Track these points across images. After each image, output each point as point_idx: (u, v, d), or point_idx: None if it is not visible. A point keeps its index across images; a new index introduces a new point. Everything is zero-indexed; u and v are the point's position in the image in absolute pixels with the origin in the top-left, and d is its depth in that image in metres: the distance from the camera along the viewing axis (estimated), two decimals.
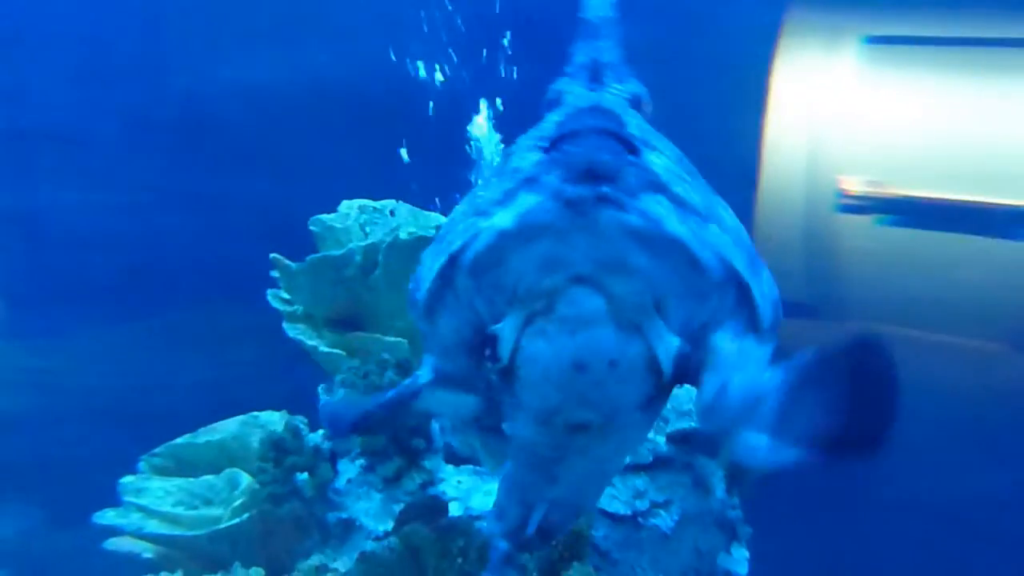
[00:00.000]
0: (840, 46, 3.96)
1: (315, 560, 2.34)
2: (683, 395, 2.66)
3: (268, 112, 4.02)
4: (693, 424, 2.49)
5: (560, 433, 1.33)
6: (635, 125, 1.18)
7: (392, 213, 3.15)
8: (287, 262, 2.92)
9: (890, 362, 1.20)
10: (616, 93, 1.27)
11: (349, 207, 3.21)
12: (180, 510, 2.92)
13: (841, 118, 4.01)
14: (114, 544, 2.92)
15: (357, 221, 3.15)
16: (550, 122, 1.17)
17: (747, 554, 2.75)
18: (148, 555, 2.87)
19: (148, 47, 3.96)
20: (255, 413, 3.21)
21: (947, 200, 3.88)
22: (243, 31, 3.98)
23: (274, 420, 3.15)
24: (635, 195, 1.08)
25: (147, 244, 3.86)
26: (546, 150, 1.12)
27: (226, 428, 3.25)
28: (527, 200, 1.09)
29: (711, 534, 2.48)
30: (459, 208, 1.30)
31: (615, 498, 2.29)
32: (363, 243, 2.94)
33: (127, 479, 3.01)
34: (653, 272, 1.11)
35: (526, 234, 1.10)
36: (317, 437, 2.52)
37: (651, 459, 2.38)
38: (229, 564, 2.78)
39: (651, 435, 2.41)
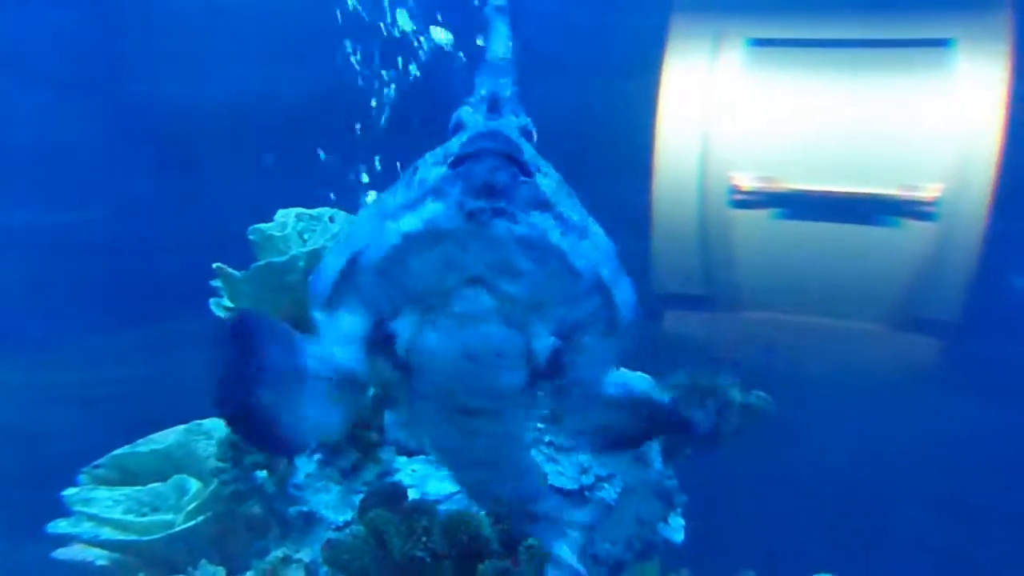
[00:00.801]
0: (725, 48, 4.21)
1: (280, 552, 2.41)
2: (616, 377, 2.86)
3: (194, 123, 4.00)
4: None
5: (457, 418, 1.54)
6: (528, 152, 1.38)
7: (331, 220, 3.22)
8: (230, 270, 2.96)
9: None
10: (511, 123, 1.47)
11: (286, 215, 3.25)
12: (130, 517, 2.93)
13: (730, 117, 4.26)
14: (64, 554, 2.91)
15: (295, 228, 3.19)
16: (455, 142, 1.34)
17: (683, 522, 2.97)
18: (102, 562, 2.88)
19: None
20: (198, 421, 3.24)
21: (827, 192, 4.21)
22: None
23: (219, 427, 3.18)
24: (526, 211, 1.28)
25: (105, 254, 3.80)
26: (451, 166, 1.29)
27: (169, 437, 3.27)
28: (432, 208, 1.26)
29: (651, 504, 2.68)
30: (364, 212, 1.48)
31: (562, 474, 2.46)
32: (305, 249, 3.00)
33: (70, 491, 3.00)
34: (536, 277, 1.32)
35: (430, 237, 1.27)
36: None
37: None
38: (185, 567, 2.82)
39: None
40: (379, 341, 1.41)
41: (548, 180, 1.36)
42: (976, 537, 3.66)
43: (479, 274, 1.29)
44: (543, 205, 1.30)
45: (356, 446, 2.54)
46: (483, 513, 2.02)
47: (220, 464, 2.56)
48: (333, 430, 1.61)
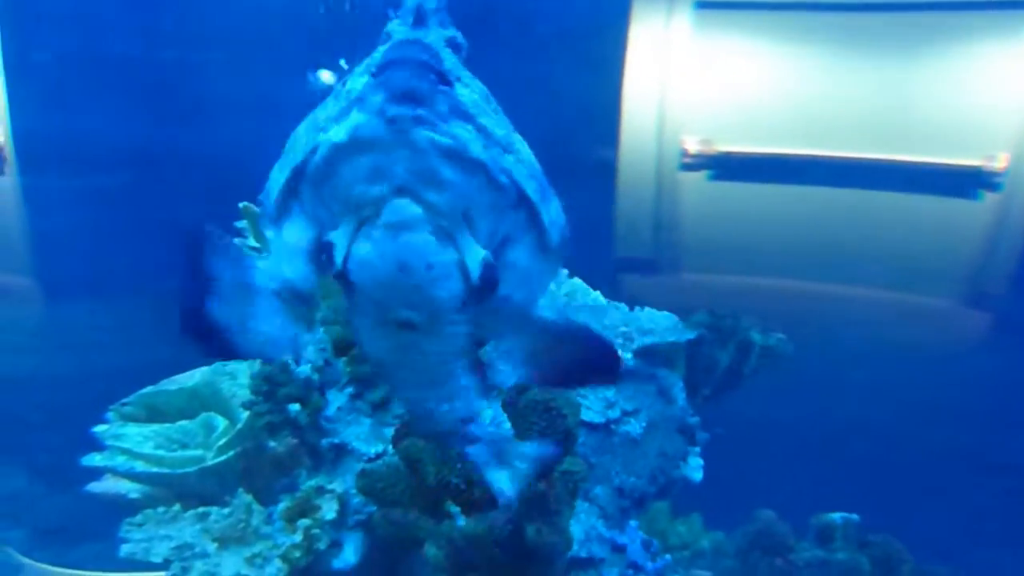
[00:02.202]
0: (676, 12, 4.20)
1: (313, 482, 2.47)
2: (644, 316, 2.89)
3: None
4: (655, 340, 2.72)
5: (393, 331, 1.56)
6: (450, 62, 1.40)
7: None
8: (256, 209, 2.98)
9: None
10: (437, 35, 1.48)
11: None
12: (161, 452, 3.00)
13: (680, 81, 4.27)
14: (97, 487, 2.98)
15: None
16: (379, 52, 1.36)
17: (702, 462, 3.02)
18: (135, 495, 2.94)
19: None
20: (223, 362, 3.28)
21: (773, 154, 4.23)
22: None
23: (243, 368, 3.23)
24: (446, 120, 1.30)
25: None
26: (374, 75, 1.31)
27: (195, 377, 3.32)
28: (356, 117, 1.29)
29: (674, 439, 2.72)
30: (302, 125, 1.48)
31: (588, 408, 2.50)
32: None
33: (101, 427, 3.06)
34: (460, 187, 1.34)
35: (355, 146, 1.30)
36: (306, 370, 2.63)
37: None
38: (215, 499, 2.89)
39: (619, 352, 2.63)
40: (320, 253, 1.44)
41: (470, 91, 1.38)
42: (1006, 491, 3.72)
43: (405, 183, 1.31)
44: (464, 116, 1.32)
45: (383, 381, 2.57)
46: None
47: (253, 396, 2.60)
48: (285, 344, 1.65)
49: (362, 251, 1.37)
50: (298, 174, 1.41)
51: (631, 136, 4.30)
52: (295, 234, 1.49)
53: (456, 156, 1.30)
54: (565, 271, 3.50)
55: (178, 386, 3.27)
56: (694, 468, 3.00)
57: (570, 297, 3.35)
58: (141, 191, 3.74)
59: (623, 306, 2.94)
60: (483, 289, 1.45)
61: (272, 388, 2.53)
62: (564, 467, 1.99)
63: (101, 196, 3.84)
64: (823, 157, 4.17)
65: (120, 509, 2.95)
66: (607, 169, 4.30)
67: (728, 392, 3.25)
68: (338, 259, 1.39)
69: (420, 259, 1.37)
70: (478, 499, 2.06)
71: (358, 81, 1.34)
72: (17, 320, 4.07)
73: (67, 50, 3.83)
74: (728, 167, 4.25)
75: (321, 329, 2.75)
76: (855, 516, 3.11)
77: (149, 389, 3.27)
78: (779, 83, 4.20)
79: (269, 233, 1.54)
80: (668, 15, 4.19)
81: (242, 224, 3.07)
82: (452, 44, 1.49)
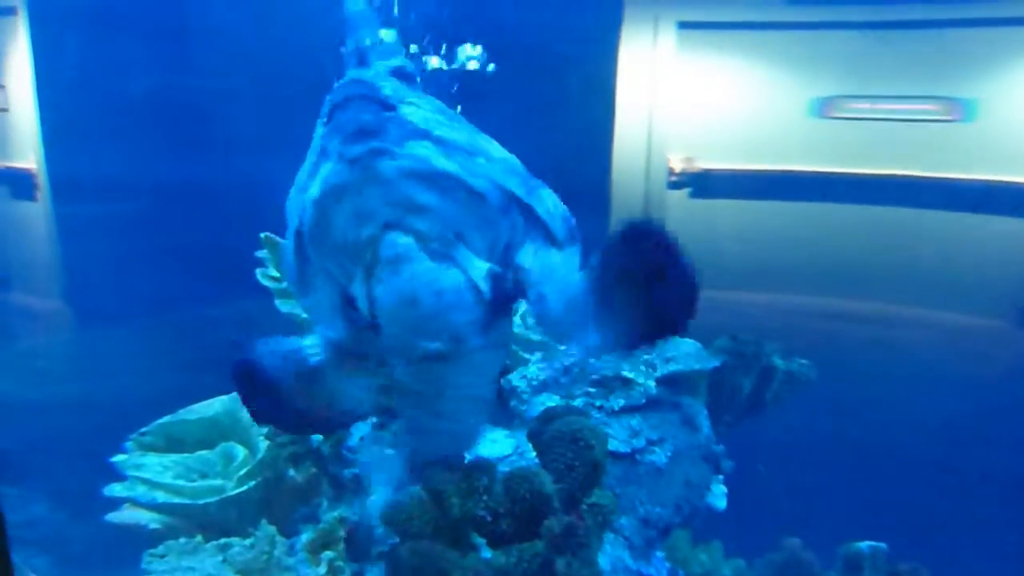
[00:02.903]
0: (662, 32, 4.26)
1: (336, 513, 2.45)
2: (668, 344, 2.87)
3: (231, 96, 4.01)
4: (679, 368, 2.70)
5: (422, 366, 1.55)
6: (390, 88, 1.43)
7: None
8: (277, 239, 2.99)
9: (665, 241, 1.45)
10: (380, 68, 1.49)
11: None
12: (181, 482, 2.98)
13: (666, 100, 4.33)
14: (117, 517, 2.96)
15: None
16: (326, 100, 1.41)
17: (725, 490, 2.98)
18: (155, 525, 2.92)
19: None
20: None
21: (752, 171, 4.28)
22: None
23: None
24: (400, 144, 1.31)
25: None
26: (325, 124, 1.36)
27: (214, 406, 3.31)
28: (324, 168, 1.33)
29: (699, 467, 2.69)
30: (292, 189, 1.52)
31: (613, 438, 2.48)
32: None
33: (120, 457, 3.05)
34: (440, 206, 1.35)
35: (332, 195, 1.33)
36: None
37: (644, 401, 2.58)
38: (235, 530, 2.87)
39: (642, 380, 2.61)
40: (348, 308, 1.47)
41: (417, 109, 1.40)
42: None
43: (389, 217, 1.33)
44: (418, 134, 1.34)
45: None
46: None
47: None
48: (365, 402, 1.70)
49: (377, 294, 1.40)
50: (300, 238, 1.45)
51: (622, 155, 4.36)
52: (323, 299, 1.52)
53: (422, 175, 1.32)
54: None
55: (198, 415, 3.27)
56: (718, 496, 2.97)
57: None
58: (167, 219, 3.77)
59: None
60: (499, 303, 1.45)
61: None
62: (593, 499, 1.97)
63: (129, 224, 3.87)
64: (802, 173, 4.24)
65: (141, 539, 2.94)
66: (600, 188, 4.34)
67: (750, 418, 3.22)
68: (363, 309, 1.42)
69: (426, 287, 1.38)
70: (505, 531, 2.04)
71: (318, 132, 1.40)
72: (46, 346, 4.10)
73: (97, 83, 3.88)
74: (709, 184, 4.31)
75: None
76: (883, 545, 3.05)
77: (168, 418, 3.26)
78: (757, 101, 4.26)
79: (304, 304, 1.58)
80: (655, 35, 4.26)
81: (263, 254, 3.08)
82: (399, 73, 1.51)
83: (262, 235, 2.99)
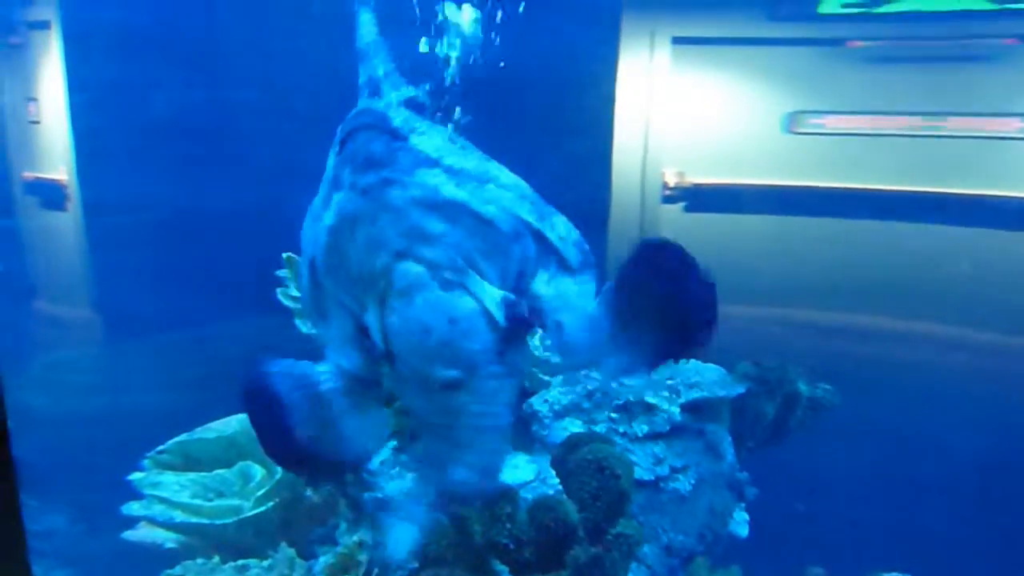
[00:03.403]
0: (658, 48, 4.29)
1: (355, 537, 2.42)
2: (689, 368, 2.84)
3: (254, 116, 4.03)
4: (702, 394, 2.67)
5: (438, 395, 1.52)
6: (400, 119, 1.43)
7: None
8: (298, 258, 2.98)
9: (679, 254, 1.45)
10: (392, 98, 1.49)
11: None
12: (199, 501, 2.97)
13: (661, 115, 4.35)
14: (134, 536, 2.95)
15: None
16: (338, 130, 1.43)
17: (747, 517, 2.94)
18: (171, 545, 2.91)
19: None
20: None
21: (743, 185, 4.29)
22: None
23: None
24: (411, 173, 1.32)
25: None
26: (338, 153, 1.37)
27: (232, 424, 3.30)
28: (337, 198, 1.35)
29: (723, 495, 2.65)
30: (306, 219, 1.53)
31: (637, 465, 2.44)
32: None
33: (138, 475, 3.04)
34: (450, 234, 1.35)
35: (346, 225, 1.35)
36: None
37: (668, 427, 2.54)
38: (252, 551, 2.85)
39: (666, 406, 2.58)
40: (363, 337, 1.46)
41: (427, 139, 1.40)
42: None
43: (401, 247, 1.33)
44: (428, 163, 1.35)
45: None
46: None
47: None
48: (375, 433, 1.68)
49: (391, 323, 1.40)
50: (314, 268, 1.46)
51: (620, 169, 4.38)
52: (338, 328, 1.51)
53: (432, 204, 1.32)
54: None
55: (216, 434, 3.25)
56: (740, 523, 2.93)
57: None
58: (192, 235, 3.78)
59: None
60: (514, 330, 1.44)
61: None
62: (619, 529, 1.94)
63: (155, 238, 3.89)
64: (792, 187, 4.26)
65: (158, 557, 2.92)
66: (599, 203, 4.36)
67: (773, 444, 3.18)
68: (377, 340, 1.42)
69: (439, 316, 1.38)
70: (528, 560, 2.01)
71: (330, 161, 1.41)
72: (71, 359, 4.11)
73: (128, 97, 3.91)
74: (700, 199, 4.33)
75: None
76: None
77: (185, 436, 3.25)
78: (748, 116, 4.28)
79: (318, 333, 1.57)
80: (651, 50, 4.29)
81: (284, 273, 3.08)
82: (411, 103, 1.51)
83: (284, 255, 2.99)
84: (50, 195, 4.22)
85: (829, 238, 4.21)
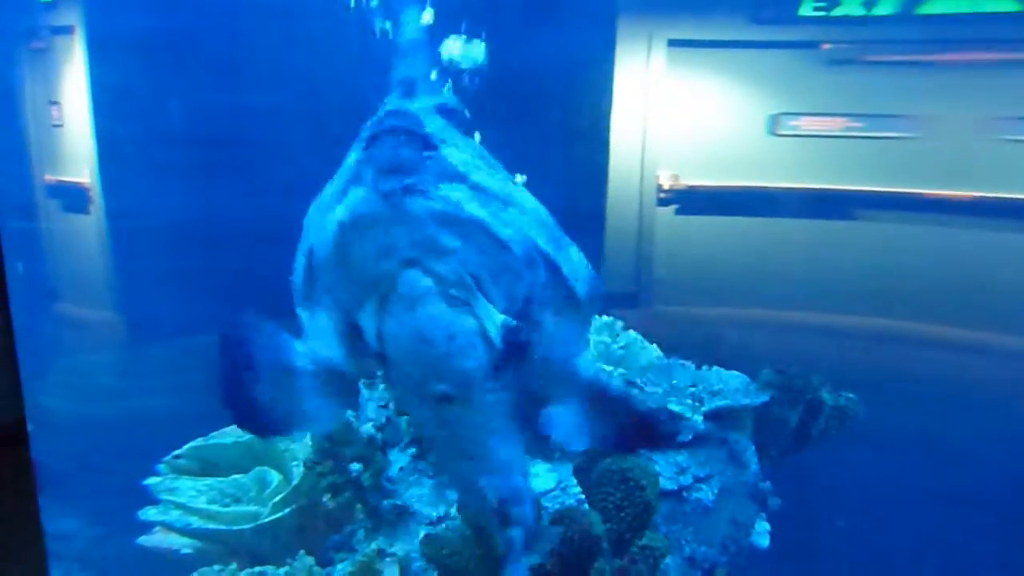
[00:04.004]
0: (654, 50, 4.27)
1: (375, 545, 2.40)
2: (712, 375, 2.80)
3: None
4: (726, 403, 2.63)
5: (432, 407, 1.54)
6: (435, 126, 1.38)
7: None
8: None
9: None
10: (425, 103, 1.45)
11: None
12: (215, 507, 2.95)
13: (656, 117, 4.33)
14: (149, 541, 2.93)
15: None
16: (367, 126, 1.36)
17: (768, 527, 2.89)
18: (187, 550, 2.89)
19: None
20: None
21: (735, 187, 4.26)
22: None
23: None
24: (436, 184, 1.29)
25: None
26: (364, 149, 1.30)
27: None
28: (354, 194, 1.30)
29: (746, 505, 2.61)
30: (313, 205, 1.47)
31: (659, 474, 2.40)
32: None
33: (154, 480, 3.03)
34: (463, 251, 1.32)
35: (357, 224, 1.30)
36: (369, 429, 2.58)
37: (691, 436, 2.51)
38: (268, 557, 2.83)
39: (689, 414, 2.54)
40: (352, 334, 1.44)
41: (458, 151, 1.35)
42: None
43: (411, 255, 1.30)
44: (456, 177, 1.31)
45: None
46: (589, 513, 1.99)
47: (315, 456, 2.55)
48: (328, 420, 1.68)
49: (388, 328, 1.38)
50: (313, 257, 1.42)
51: (617, 172, 4.37)
52: (325, 319, 1.49)
53: (452, 220, 1.29)
54: (620, 322, 3.44)
55: (233, 439, 3.24)
56: (760, 534, 2.88)
57: (626, 351, 3.28)
58: (215, 239, 3.78)
59: (690, 364, 2.86)
60: (510, 354, 1.43)
61: (334, 447, 2.48)
62: (645, 542, 1.90)
63: (177, 241, 3.89)
64: (782, 189, 4.23)
65: (175, 561, 2.91)
66: (596, 206, 4.35)
67: (795, 453, 3.13)
68: (371, 340, 1.40)
69: (440, 330, 1.36)
70: (550, 572, 1.98)
71: (352, 156, 1.35)
72: (91, 362, 4.12)
73: (150, 102, 3.92)
74: (694, 201, 4.32)
75: (382, 386, 2.71)
76: None
77: (201, 441, 3.24)
78: (737, 117, 4.27)
79: (303, 315, 1.54)
80: (648, 54, 4.28)
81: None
82: (443, 110, 1.48)
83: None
84: (72, 198, 4.23)
85: (815, 240, 4.21)
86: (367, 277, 1.36)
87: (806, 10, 4.12)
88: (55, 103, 4.16)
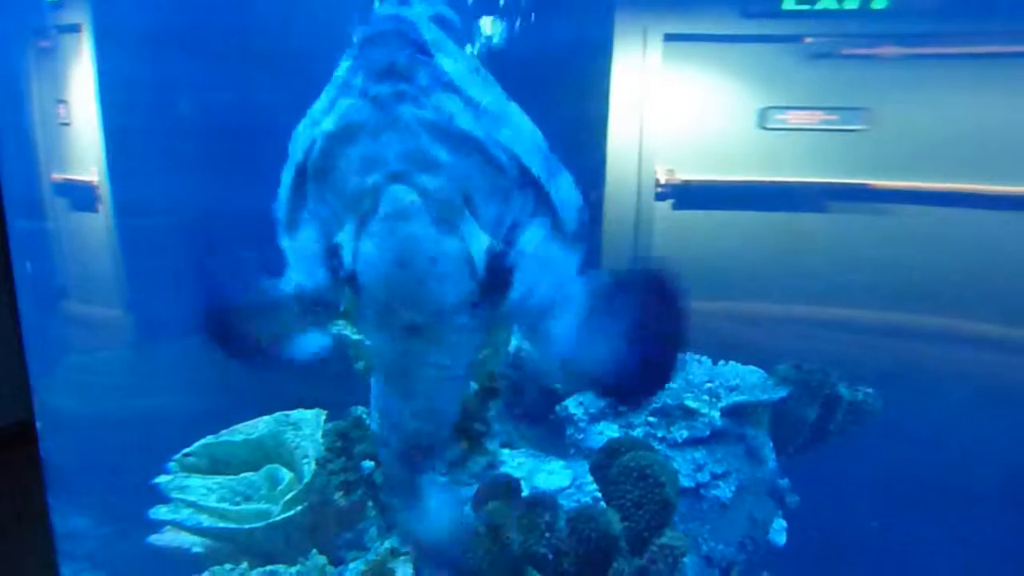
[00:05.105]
0: (650, 45, 4.24)
1: (388, 544, 2.37)
2: (728, 370, 2.76)
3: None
4: (743, 398, 2.59)
5: (398, 336, 1.46)
6: (431, 34, 1.29)
7: None
8: None
9: (675, 294, 1.43)
10: (420, 10, 1.38)
11: None
12: (226, 505, 2.93)
13: (652, 111, 4.30)
14: (160, 540, 2.92)
15: None
16: (359, 32, 1.28)
17: (785, 524, 2.85)
18: (198, 549, 2.88)
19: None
20: (285, 412, 3.23)
21: (729, 182, 4.24)
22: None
23: (307, 418, 3.18)
24: (428, 93, 1.22)
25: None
26: (355, 56, 1.25)
27: (258, 427, 3.27)
28: (342, 103, 1.24)
29: (764, 503, 2.57)
30: (302, 122, 1.41)
31: (678, 471, 2.37)
32: None
33: (164, 478, 3.01)
34: (454, 167, 1.25)
35: (345, 133, 1.24)
36: None
37: (708, 433, 2.47)
38: (280, 556, 2.81)
39: (706, 410, 2.50)
40: (332, 258, 1.38)
41: (454, 62, 1.28)
42: None
43: (399, 169, 1.24)
44: (450, 87, 1.24)
45: (464, 436, 2.47)
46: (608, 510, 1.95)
47: (327, 453, 2.52)
48: (317, 349, 1.61)
49: (365, 249, 1.31)
50: (301, 173, 1.37)
51: (616, 167, 4.36)
52: (306, 240, 1.44)
53: (444, 131, 1.22)
54: None
55: (243, 436, 3.22)
56: (777, 531, 2.84)
57: None
58: (224, 237, 3.77)
59: (706, 359, 2.82)
60: (492, 283, 1.36)
61: (346, 444, 2.45)
62: (664, 540, 1.86)
63: (186, 239, 3.88)
64: (776, 183, 4.23)
65: (186, 560, 2.89)
66: (594, 201, 4.34)
67: (812, 449, 3.08)
68: (347, 260, 1.34)
69: (422, 252, 1.29)
70: (567, 571, 1.95)
71: (343, 66, 1.29)
72: (100, 360, 4.11)
73: (159, 98, 3.90)
74: (689, 195, 4.31)
75: None
76: None
77: (212, 439, 3.23)
78: (730, 111, 4.25)
79: (285, 243, 1.50)
80: (644, 48, 4.26)
81: None
82: (438, 19, 1.39)
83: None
84: (80, 197, 4.22)
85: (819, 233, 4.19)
86: (351, 192, 1.29)
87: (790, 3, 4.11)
88: (62, 101, 4.14)
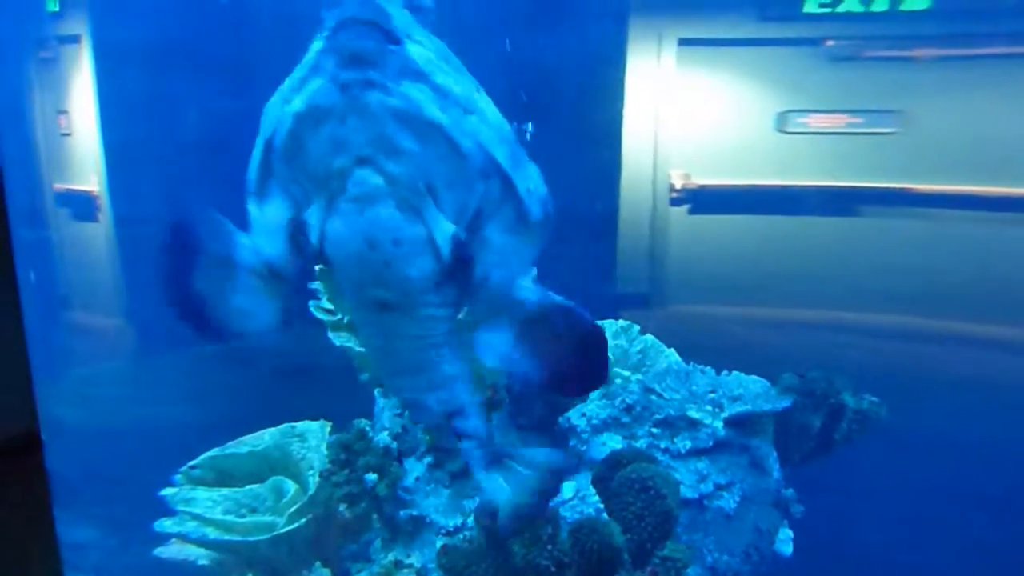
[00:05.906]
0: (664, 49, 4.24)
1: (391, 556, 2.37)
2: (732, 380, 2.75)
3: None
4: (746, 408, 2.58)
5: (372, 311, 1.51)
6: (400, 20, 1.32)
7: None
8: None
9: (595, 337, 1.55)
10: None
11: None
12: (231, 518, 2.93)
13: (667, 116, 4.29)
14: (166, 552, 2.92)
15: None
16: (331, 14, 1.31)
17: (791, 534, 2.84)
18: (203, 561, 2.87)
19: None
20: (291, 424, 3.23)
21: (745, 186, 4.21)
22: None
23: (312, 429, 3.17)
24: (397, 80, 1.25)
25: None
26: (326, 39, 1.27)
27: (264, 439, 3.26)
28: (312, 85, 1.27)
29: (769, 513, 2.55)
30: (273, 97, 1.44)
31: (680, 482, 2.36)
32: None
33: (170, 491, 3.00)
34: (419, 154, 1.29)
35: (313, 115, 1.28)
36: (385, 438, 2.55)
37: (711, 443, 2.46)
38: (285, 568, 2.81)
39: (709, 421, 2.49)
40: (297, 232, 1.43)
41: (422, 48, 1.31)
42: None
43: (365, 153, 1.27)
44: (417, 75, 1.26)
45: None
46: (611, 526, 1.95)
47: (330, 465, 2.52)
48: (263, 320, 1.63)
49: (332, 228, 1.36)
50: (269, 149, 1.40)
51: (630, 172, 4.36)
52: (273, 213, 1.47)
53: (410, 119, 1.25)
54: (636, 327, 3.39)
55: (248, 448, 3.22)
56: (783, 541, 2.83)
57: (643, 355, 3.23)
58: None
59: (709, 369, 2.81)
60: (456, 267, 1.40)
61: (350, 457, 2.45)
62: (666, 553, 1.86)
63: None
64: (792, 187, 4.19)
65: (190, 574, 2.89)
66: (609, 207, 4.34)
67: (817, 459, 3.07)
68: (313, 238, 1.38)
69: (386, 234, 1.34)
70: None
71: (314, 47, 1.31)
72: (103, 372, 4.12)
73: (158, 109, 3.92)
74: (704, 200, 4.28)
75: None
76: None
77: (217, 451, 3.22)
78: (747, 115, 4.24)
79: (252, 211, 1.52)
80: (658, 52, 4.26)
81: (317, 285, 3.04)
82: (411, 5, 1.43)
83: (317, 268, 2.95)
84: (81, 207, 4.24)
85: (832, 238, 4.17)
86: (320, 172, 1.33)
87: (811, 7, 4.09)
88: (63, 112, 4.17)
